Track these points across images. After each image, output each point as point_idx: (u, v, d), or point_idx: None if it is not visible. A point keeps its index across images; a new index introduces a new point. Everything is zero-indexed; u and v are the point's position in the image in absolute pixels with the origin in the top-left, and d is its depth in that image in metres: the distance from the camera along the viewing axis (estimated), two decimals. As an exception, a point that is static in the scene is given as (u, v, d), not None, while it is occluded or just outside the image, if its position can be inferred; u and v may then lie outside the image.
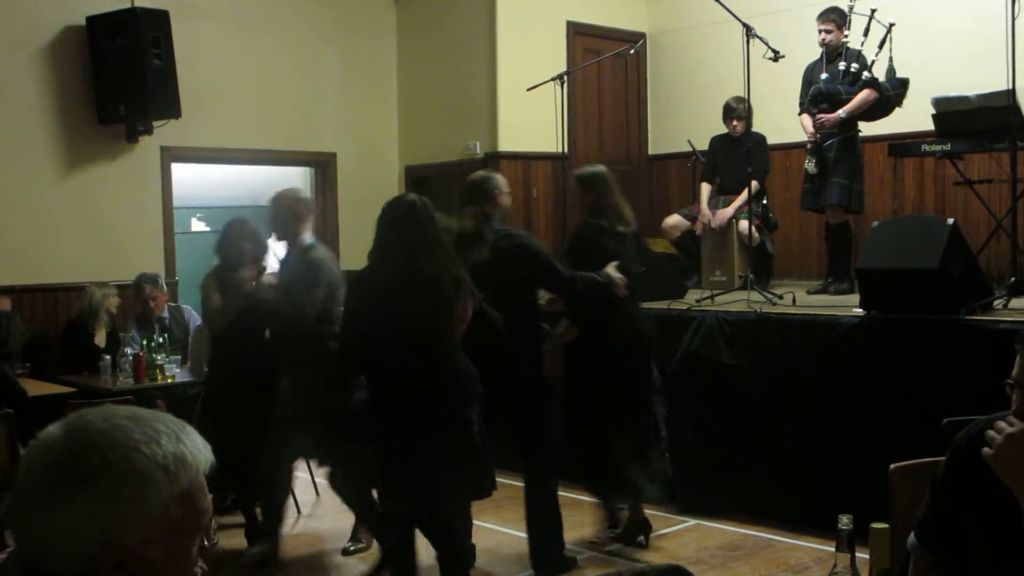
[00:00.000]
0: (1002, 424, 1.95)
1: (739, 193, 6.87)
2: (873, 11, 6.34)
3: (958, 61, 6.74)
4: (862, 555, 1.84)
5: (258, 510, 5.18)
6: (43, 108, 6.95)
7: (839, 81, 6.39)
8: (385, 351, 3.94)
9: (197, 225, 9.93)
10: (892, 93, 6.30)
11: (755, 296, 5.86)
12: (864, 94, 6.29)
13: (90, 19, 6.96)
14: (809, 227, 7.52)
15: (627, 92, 8.83)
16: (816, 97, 6.44)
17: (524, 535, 4.82)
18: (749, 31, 5.91)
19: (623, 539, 5.21)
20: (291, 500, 5.96)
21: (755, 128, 6.86)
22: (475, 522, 4.73)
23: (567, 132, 7.41)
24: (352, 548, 5.16)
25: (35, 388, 5.60)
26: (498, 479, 4.36)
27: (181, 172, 7.87)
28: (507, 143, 7.97)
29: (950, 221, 4.99)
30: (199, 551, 1.28)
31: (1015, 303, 5.05)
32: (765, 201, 7.10)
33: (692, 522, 5.55)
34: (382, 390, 4.06)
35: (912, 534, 2.16)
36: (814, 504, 5.09)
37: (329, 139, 8.35)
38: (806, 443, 5.28)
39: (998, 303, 5.05)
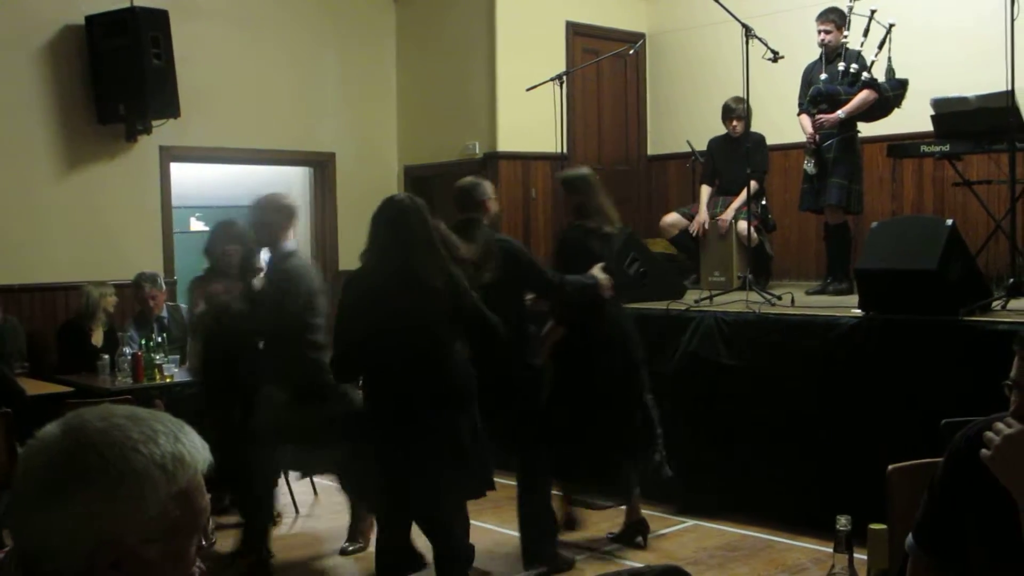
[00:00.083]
0: (1000, 425, 1.95)
1: (738, 194, 6.87)
2: (873, 12, 6.35)
3: (957, 62, 6.75)
4: (860, 556, 1.84)
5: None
6: (42, 107, 6.95)
7: (838, 82, 6.40)
8: (381, 352, 3.94)
9: (196, 225, 9.94)
10: (891, 94, 6.31)
11: (754, 297, 5.86)
12: (863, 95, 6.30)
13: (89, 18, 6.96)
14: (808, 228, 7.53)
15: (626, 92, 8.83)
16: (815, 98, 6.44)
17: (522, 535, 4.86)
18: (748, 31, 5.91)
19: (621, 540, 5.22)
20: (289, 501, 5.98)
21: (754, 128, 6.87)
22: (474, 522, 4.73)
23: (566, 132, 7.41)
24: (350, 548, 5.16)
25: (33, 387, 5.60)
26: (497, 479, 4.36)
27: (180, 172, 7.88)
28: (506, 143, 7.97)
29: (949, 222, 4.99)
30: (197, 551, 1.28)
31: (1014, 304, 5.05)
32: (764, 202, 7.11)
33: (690, 523, 5.55)
34: (379, 391, 4.06)
35: (910, 535, 2.16)
36: (812, 505, 5.09)
37: (328, 139, 8.35)
38: (805, 444, 5.28)
39: (997, 304, 5.05)
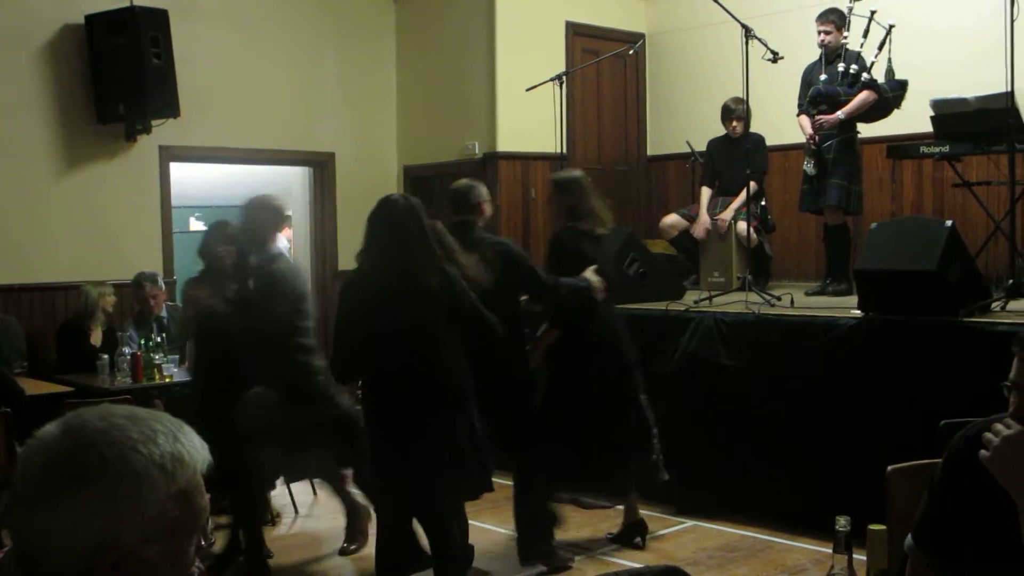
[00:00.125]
0: (999, 426, 1.95)
1: (738, 194, 6.87)
2: (873, 12, 6.35)
3: (957, 63, 6.75)
4: (859, 556, 1.84)
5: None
6: (42, 107, 6.95)
7: (838, 82, 6.40)
8: (379, 353, 3.94)
9: (195, 224, 9.94)
10: (891, 95, 6.31)
11: (753, 297, 5.86)
12: (863, 96, 6.30)
13: (89, 18, 6.96)
14: (807, 228, 7.53)
15: (626, 93, 8.83)
16: (815, 98, 6.44)
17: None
18: (748, 32, 5.91)
19: (620, 540, 5.22)
20: (288, 502, 5.97)
21: (754, 129, 6.86)
22: (473, 522, 4.74)
23: (566, 132, 7.41)
24: (351, 548, 5.16)
25: (33, 387, 5.60)
26: (495, 480, 4.36)
27: (180, 171, 7.87)
28: (506, 143, 7.97)
29: (948, 223, 4.99)
30: (196, 551, 1.28)
31: (1013, 305, 5.06)
32: (763, 202, 7.10)
33: (690, 523, 5.55)
34: (377, 391, 4.06)
35: (909, 536, 2.16)
36: (812, 505, 5.10)
37: (328, 139, 8.35)
38: (804, 444, 5.28)
39: (996, 305, 5.05)
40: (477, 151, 8.05)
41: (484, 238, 4.66)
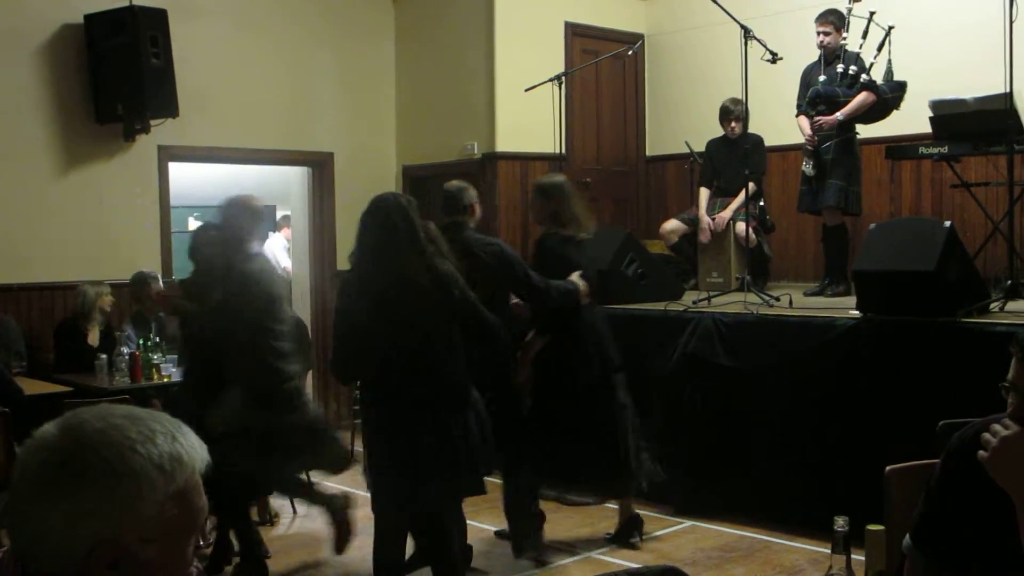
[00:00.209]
0: (997, 427, 1.95)
1: (736, 195, 6.87)
2: (872, 14, 6.35)
3: (956, 64, 6.75)
4: (858, 557, 1.84)
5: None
6: (40, 106, 6.94)
7: (837, 83, 6.40)
8: (374, 352, 3.93)
9: (194, 224, 9.93)
10: (890, 96, 6.31)
11: (752, 298, 5.86)
12: (862, 97, 6.30)
13: (88, 17, 6.95)
14: (806, 229, 7.53)
15: (625, 93, 8.83)
16: (814, 99, 6.44)
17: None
18: (747, 33, 5.91)
19: (618, 539, 5.23)
20: (287, 502, 5.97)
21: (752, 130, 6.86)
22: (471, 522, 4.74)
23: (565, 133, 7.41)
24: (343, 544, 5.09)
25: (31, 387, 5.59)
26: (493, 480, 4.37)
27: (178, 171, 7.87)
28: (505, 144, 7.97)
29: (947, 224, 4.99)
30: (194, 551, 1.29)
31: (1011, 306, 5.06)
32: (762, 203, 7.11)
33: (688, 523, 5.55)
34: (375, 391, 4.06)
35: (907, 536, 2.16)
36: (810, 506, 5.10)
37: (327, 139, 8.34)
38: (802, 445, 5.29)
39: (994, 306, 5.05)
40: (476, 151, 8.05)
41: (476, 239, 4.70)
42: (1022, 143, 5.49)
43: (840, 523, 1.89)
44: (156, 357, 5.91)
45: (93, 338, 6.51)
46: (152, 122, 7.11)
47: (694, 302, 6.10)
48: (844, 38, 6.45)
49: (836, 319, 5.25)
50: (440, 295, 3.88)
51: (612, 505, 5.46)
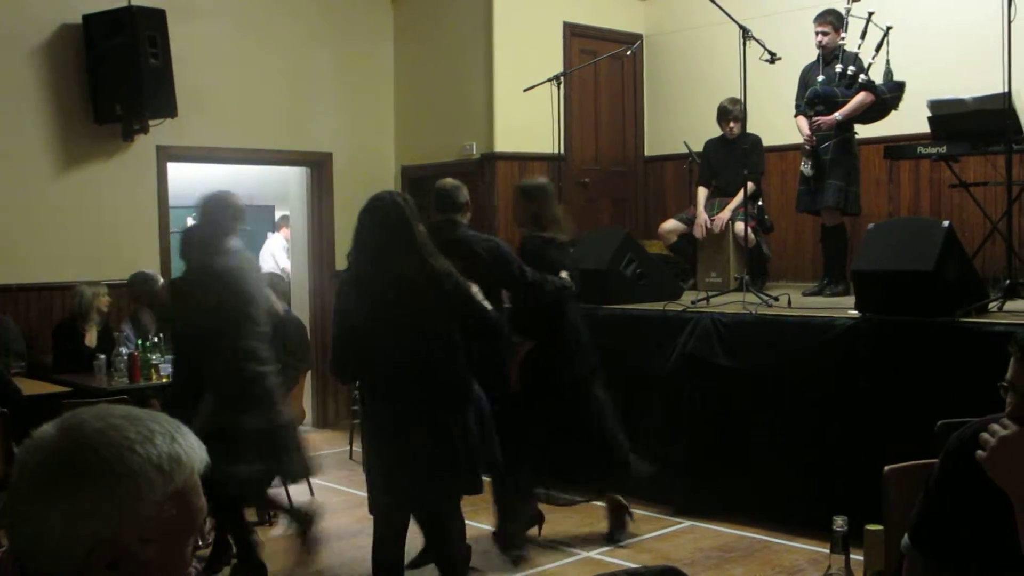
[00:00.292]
0: (996, 427, 1.96)
1: (735, 195, 6.87)
2: (870, 14, 6.35)
3: (954, 64, 6.75)
4: (856, 557, 1.85)
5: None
6: (39, 107, 6.94)
7: (835, 83, 6.40)
8: (375, 352, 3.93)
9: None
10: (888, 96, 6.31)
11: (750, 298, 5.87)
12: (860, 97, 6.30)
13: (87, 17, 6.95)
14: (805, 229, 7.53)
15: (623, 93, 8.83)
16: (812, 99, 6.44)
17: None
18: (746, 33, 5.92)
19: (614, 534, 5.27)
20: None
21: (751, 130, 6.86)
22: (469, 523, 4.74)
23: (563, 133, 7.41)
24: (309, 555, 5.02)
25: (30, 387, 5.59)
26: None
27: (177, 171, 7.87)
28: (503, 144, 7.97)
29: (945, 223, 4.99)
30: (193, 551, 1.29)
31: (1010, 306, 5.06)
32: (761, 203, 7.11)
33: (687, 523, 5.55)
34: (374, 391, 4.06)
35: (906, 536, 2.16)
36: (809, 506, 5.10)
37: (325, 139, 8.34)
38: (801, 445, 5.29)
39: (993, 306, 5.05)
40: (475, 151, 8.05)
41: (472, 236, 4.75)
42: (1020, 143, 5.49)
43: (839, 523, 1.89)
44: (155, 357, 5.91)
45: (91, 338, 6.51)
46: (151, 122, 7.11)
47: (693, 302, 6.10)
48: (843, 38, 6.45)
49: (835, 319, 5.25)
50: (438, 293, 3.88)
51: (598, 503, 5.50)
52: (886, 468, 2.60)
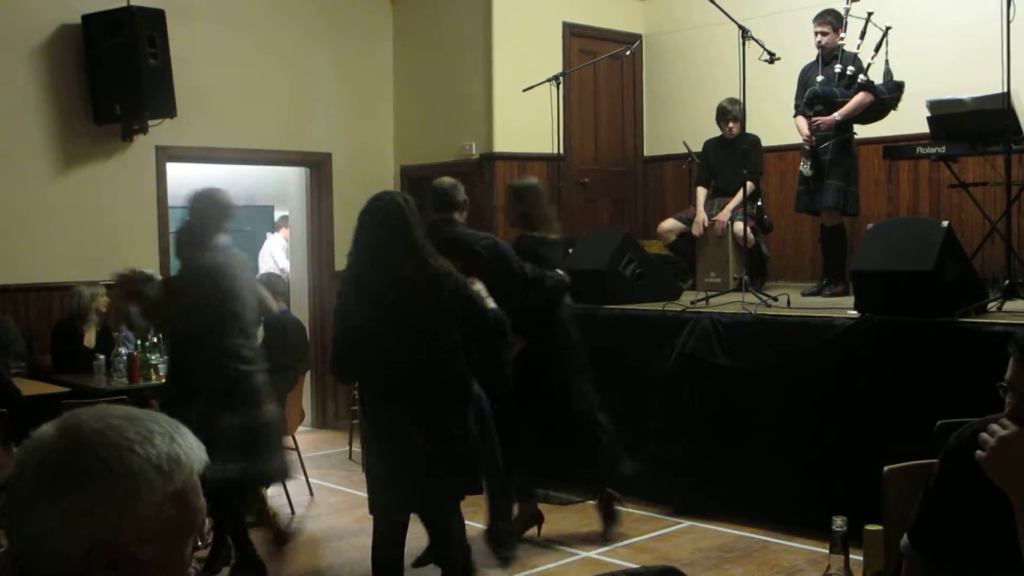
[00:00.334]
0: (995, 427, 1.96)
1: (734, 195, 6.87)
2: (870, 14, 6.35)
3: (953, 64, 6.75)
4: (856, 557, 1.85)
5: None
6: (38, 107, 6.94)
7: (835, 84, 6.40)
8: (375, 352, 3.93)
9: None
10: (887, 96, 6.31)
11: (750, 298, 5.87)
12: (859, 97, 6.30)
13: (86, 17, 6.95)
14: (804, 229, 7.53)
15: (623, 93, 8.83)
16: (812, 99, 6.44)
17: (522, 538, 5.07)
18: (745, 33, 5.92)
19: (607, 529, 5.32)
20: (284, 503, 5.97)
21: (750, 130, 6.86)
22: (469, 523, 4.73)
23: (563, 133, 7.41)
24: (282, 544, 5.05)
25: (29, 388, 5.59)
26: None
27: (176, 171, 7.86)
28: (503, 144, 7.97)
29: (944, 223, 5.00)
30: (192, 551, 1.28)
31: (1009, 306, 5.06)
32: (760, 203, 7.11)
33: (686, 523, 5.55)
34: (373, 390, 4.06)
35: (905, 536, 2.16)
36: (808, 506, 5.10)
37: (325, 139, 8.34)
38: (801, 445, 5.29)
39: (992, 306, 5.06)
40: (474, 151, 8.05)
41: (471, 234, 4.80)
42: (1019, 143, 5.49)
43: (838, 523, 1.89)
44: (154, 358, 5.91)
45: (90, 339, 6.50)
46: (150, 122, 7.11)
47: (692, 302, 6.10)
48: (842, 38, 6.45)
49: (834, 319, 5.25)
50: (438, 293, 3.88)
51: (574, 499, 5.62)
52: (885, 468, 2.60)
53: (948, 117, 5.87)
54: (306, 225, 8.56)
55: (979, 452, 1.95)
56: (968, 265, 5.12)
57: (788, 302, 5.83)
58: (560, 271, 5.08)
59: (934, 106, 5.95)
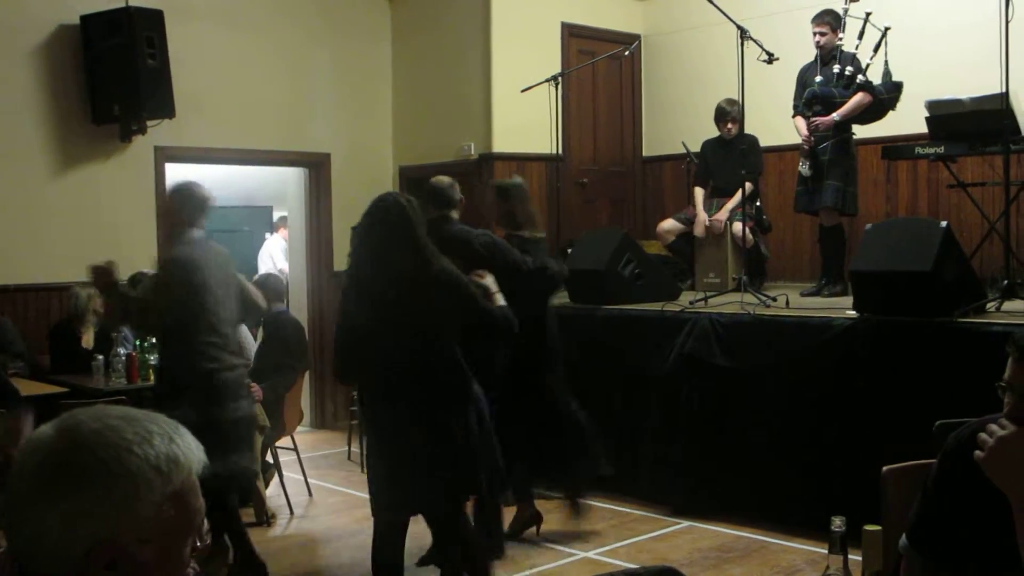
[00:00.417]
0: (994, 427, 1.96)
1: (733, 195, 6.88)
2: (868, 14, 6.36)
3: (952, 64, 6.76)
4: (855, 557, 1.85)
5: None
6: (37, 107, 6.93)
7: (833, 84, 6.40)
8: (375, 352, 3.93)
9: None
10: (886, 96, 6.31)
11: (748, 298, 5.87)
12: (858, 97, 6.30)
13: (84, 18, 6.95)
14: (802, 229, 7.54)
15: (621, 94, 8.84)
16: (810, 100, 6.45)
17: (520, 538, 5.08)
18: (743, 33, 5.92)
19: (576, 512, 5.36)
20: (284, 503, 5.96)
21: (748, 131, 6.86)
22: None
23: (561, 134, 7.41)
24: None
25: (28, 388, 5.58)
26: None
27: (175, 172, 7.86)
28: (502, 144, 7.97)
29: (943, 224, 5.00)
30: (192, 551, 1.28)
31: (1008, 306, 5.06)
32: (759, 203, 7.11)
33: (685, 524, 5.56)
34: (374, 391, 4.06)
35: (904, 536, 2.17)
36: (807, 506, 5.11)
37: (323, 139, 8.34)
38: (799, 445, 5.29)
39: (991, 306, 5.06)
40: (473, 152, 8.05)
41: (467, 230, 4.84)
42: (1018, 143, 5.50)
43: (837, 523, 1.90)
44: (153, 358, 5.90)
45: (87, 340, 6.49)
46: (148, 123, 7.10)
47: (691, 302, 6.10)
48: (840, 38, 6.45)
49: (833, 319, 5.25)
50: (438, 293, 3.88)
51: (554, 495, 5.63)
52: (884, 468, 2.60)
53: (947, 117, 5.88)
54: (305, 225, 8.56)
55: (978, 452, 1.95)
56: (967, 265, 5.12)
57: (787, 302, 5.84)
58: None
59: (933, 106, 5.96)
